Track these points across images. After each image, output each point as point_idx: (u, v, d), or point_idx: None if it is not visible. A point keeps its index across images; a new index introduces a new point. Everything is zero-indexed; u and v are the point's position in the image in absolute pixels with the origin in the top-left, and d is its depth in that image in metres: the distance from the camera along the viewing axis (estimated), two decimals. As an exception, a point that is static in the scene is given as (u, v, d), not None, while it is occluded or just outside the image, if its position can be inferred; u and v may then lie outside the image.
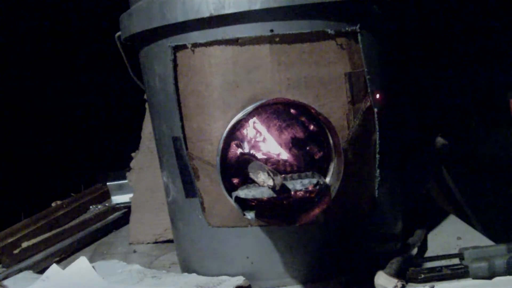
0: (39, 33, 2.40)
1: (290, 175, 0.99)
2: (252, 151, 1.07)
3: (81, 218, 1.81)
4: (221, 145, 1.01)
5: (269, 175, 0.94)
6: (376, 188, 1.10)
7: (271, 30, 1.00)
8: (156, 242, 1.52)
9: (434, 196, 1.65)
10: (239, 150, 1.07)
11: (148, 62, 1.14)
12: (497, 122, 1.69)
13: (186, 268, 1.21)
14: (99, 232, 1.66)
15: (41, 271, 1.30)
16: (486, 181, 1.70)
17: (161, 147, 1.18)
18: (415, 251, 1.20)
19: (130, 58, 1.27)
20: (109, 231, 1.69)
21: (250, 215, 0.96)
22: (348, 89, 1.04)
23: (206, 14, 0.99)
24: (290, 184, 0.97)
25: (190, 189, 1.11)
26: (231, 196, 0.98)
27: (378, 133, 1.07)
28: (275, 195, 0.96)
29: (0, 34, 2.25)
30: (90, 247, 1.57)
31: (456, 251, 1.12)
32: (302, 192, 1.03)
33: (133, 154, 1.64)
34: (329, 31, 1.01)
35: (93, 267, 1.24)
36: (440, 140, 1.56)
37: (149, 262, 1.37)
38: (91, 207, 1.97)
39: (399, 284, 0.97)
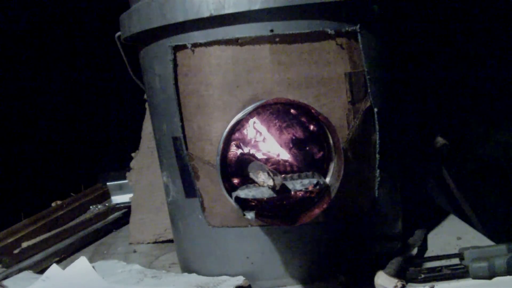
0: (39, 33, 2.40)
1: (290, 175, 0.99)
2: (252, 151, 1.07)
3: (81, 218, 1.81)
4: (221, 145, 1.01)
5: (269, 175, 0.94)
6: (376, 188, 1.10)
7: (271, 30, 1.00)
8: (156, 242, 1.52)
9: (434, 196, 1.65)
10: (239, 150, 1.07)
11: (148, 62, 1.14)
12: (497, 122, 1.69)
13: (186, 268, 1.21)
14: (99, 232, 1.66)
15: (41, 271, 1.30)
16: (486, 181, 1.70)
17: (161, 147, 1.18)
18: (415, 251, 1.20)
19: (130, 58, 1.27)
20: (109, 231, 1.69)
21: (250, 215, 0.96)
22: (348, 89, 1.04)
23: (206, 14, 0.99)
24: (290, 184, 0.97)
25: (190, 189, 1.11)
26: (231, 196, 0.98)
27: (378, 133, 1.07)
28: (275, 195, 0.96)
29: (0, 34, 2.25)
30: (90, 247, 1.57)
31: (456, 251, 1.12)
32: (302, 192, 1.03)
33: (133, 154, 1.64)
34: (329, 31, 1.01)
35: (93, 267, 1.24)
36: (440, 140, 1.56)
37: (149, 262, 1.37)
38: (91, 207, 1.97)
39: (399, 284, 0.97)
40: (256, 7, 0.97)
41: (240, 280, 1.08)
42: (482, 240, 1.21)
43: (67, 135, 2.49)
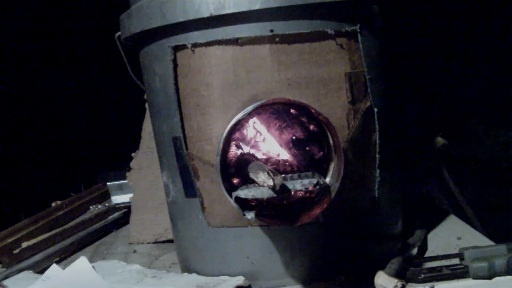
0: (39, 33, 2.40)
1: (290, 175, 0.99)
2: (252, 151, 1.07)
3: (81, 218, 1.81)
4: (221, 145, 1.01)
5: (269, 175, 0.94)
6: (376, 188, 1.10)
7: (271, 30, 1.00)
8: (156, 242, 1.52)
9: (434, 196, 1.65)
10: (239, 150, 1.07)
11: (148, 62, 1.14)
12: (497, 122, 1.69)
13: (186, 268, 1.21)
14: (99, 232, 1.66)
15: (41, 271, 1.30)
16: (486, 181, 1.70)
17: (161, 147, 1.18)
18: (415, 251, 1.20)
19: (130, 58, 1.27)
20: (109, 231, 1.69)
21: (250, 215, 0.96)
22: (348, 89, 1.04)
23: (206, 14, 0.99)
24: (290, 184, 0.97)
25: (190, 189, 1.11)
26: (231, 196, 0.98)
27: (378, 133, 1.07)
28: (275, 195, 0.96)
29: (0, 34, 2.25)
30: (90, 247, 1.57)
31: (456, 251, 1.12)
32: (302, 192, 1.03)
33: (133, 154, 1.64)
34: (329, 31, 1.01)
35: (93, 267, 1.24)
36: (440, 140, 1.56)
37: (149, 262, 1.37)
38: (91, 207, 1.97)
39: (399, 284, 0.97)
40: (256, 7, 0.97)
41: (240, 280, 1.08)
42: (482, 240, 1.21)
43: (67, 135, 2.49)
